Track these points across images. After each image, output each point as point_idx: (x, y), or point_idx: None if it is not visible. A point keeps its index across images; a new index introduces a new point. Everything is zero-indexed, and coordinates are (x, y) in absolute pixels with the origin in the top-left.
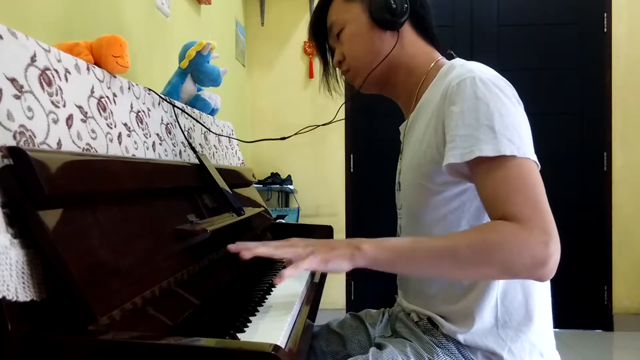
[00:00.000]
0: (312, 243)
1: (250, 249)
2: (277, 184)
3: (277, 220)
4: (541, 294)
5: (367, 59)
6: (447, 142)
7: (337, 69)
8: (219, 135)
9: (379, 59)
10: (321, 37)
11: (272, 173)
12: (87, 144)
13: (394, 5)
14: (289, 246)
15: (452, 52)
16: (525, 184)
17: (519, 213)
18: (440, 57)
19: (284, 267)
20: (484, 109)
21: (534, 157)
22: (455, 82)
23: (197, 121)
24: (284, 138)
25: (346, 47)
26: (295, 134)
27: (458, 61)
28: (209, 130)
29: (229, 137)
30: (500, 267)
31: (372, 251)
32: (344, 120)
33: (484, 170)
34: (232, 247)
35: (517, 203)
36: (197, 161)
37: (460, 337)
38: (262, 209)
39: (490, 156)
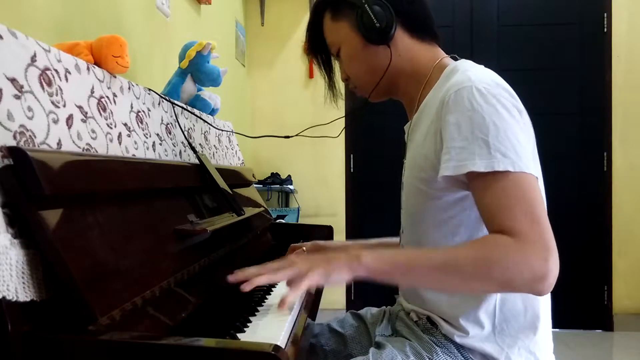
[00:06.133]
0: (311, 258)
1: (250, 280)
2: (277, 184)
3: (277, 220)
4: (541, 301)
5: (369, 77)
6: (443, 154)
7: (343, 82)
8: (221, 130)
9: (380, 74)
10: (320, 51)
11: (272, 173)
12: (87, 144)
13: (378, 24)
14: (288, 266)
15: (455, 56)
16: (522, 198)
17: (518, 227)
18: (443, 55)
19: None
20: (480, 121)
21: (532, 171)
22: (453, 90)
23: (200, 117)
24: (287, 137)
25: (347, 68)
26: (298, 134)
27: (462, 64)
28: (211, 126)
29: (230, 133)
30: (499, 282)
31: (372, 262)
32: (344, 120)
33: (479, 184)
34: (232, 278)
35: (516, 217)
36: (197, 161)
37: (458, 340)
38: (262, 209)
39: (483, 171)
